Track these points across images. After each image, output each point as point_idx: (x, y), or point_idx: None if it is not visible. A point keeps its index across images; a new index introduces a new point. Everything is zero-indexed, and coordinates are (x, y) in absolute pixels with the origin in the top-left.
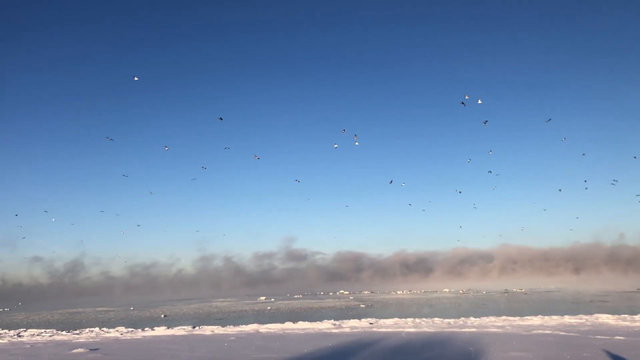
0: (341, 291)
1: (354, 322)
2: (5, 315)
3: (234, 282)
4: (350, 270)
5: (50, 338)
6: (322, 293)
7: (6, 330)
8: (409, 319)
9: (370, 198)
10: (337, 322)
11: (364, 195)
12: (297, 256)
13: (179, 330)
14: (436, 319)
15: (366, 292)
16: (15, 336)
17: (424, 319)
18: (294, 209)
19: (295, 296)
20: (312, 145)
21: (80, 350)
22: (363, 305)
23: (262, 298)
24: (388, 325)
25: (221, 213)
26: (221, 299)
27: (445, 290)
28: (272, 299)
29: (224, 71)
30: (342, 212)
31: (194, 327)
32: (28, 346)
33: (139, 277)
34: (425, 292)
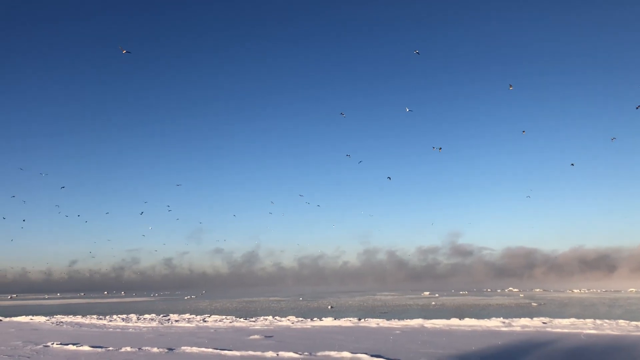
0: (510, 288)
1: (525, 321)
2: (192, 302)
3: (397, 276)
4: (521, 266)
5: (230, 324)
6: (489, 290)
7: (194, 316)
8: (589, 320)
9: (549, 190)
10: (506, 321)
11: (544, 184)
12: (462, 251)
13: (346, 322)
14: (621, 321)
15: (538, 289)
16: (202, 321)
17: (607, 321)
18: (461, 204)
19: (460, 292)
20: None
21: (256, 336)
22: (535, 304)
23: (426, 293)
24: (564, 325)
25: (384, 207)
26: (385, 293)
27: (631, 289)
28: (436, 295)
29: None
30: (514, 206)
31: (359, 319)
32: (212, 331)
33: (307, 269)
34: (606, 291)
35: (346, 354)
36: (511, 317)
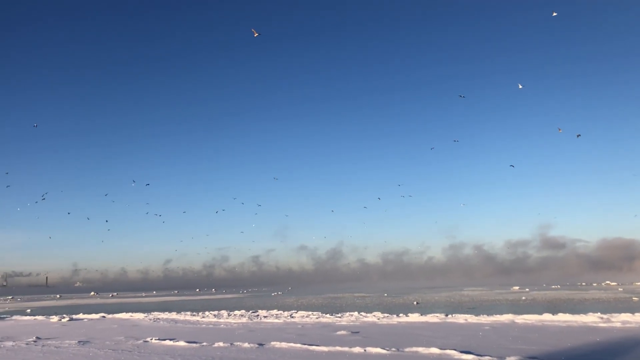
0: (607, 282)
1: (626, 316)
2: (279, 298)
3: (485, 270)
4: (619, 258)
5: (317, 320)
6: (583, 284)
7: (281, 312)
8: None
9: None
10: (604, 316)
11: None
12: (554, 244)
13: (432, 318)
14: None
15: (639, 283)
16: (289, 317)
17: None
18: (551, 194)
19: (552, 286)
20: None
21: (343, 332)
22: (636, 298)
23: (516, 288)
24: None
25: (470, 200)
26: (472, 288)
27: None
28: (527, 289)
29: None
30: (609, 194)
31: (446, 315)
32: (299, 326)
33: (391, 265)
34: None
35: (434, 350)
36: (610, 312)
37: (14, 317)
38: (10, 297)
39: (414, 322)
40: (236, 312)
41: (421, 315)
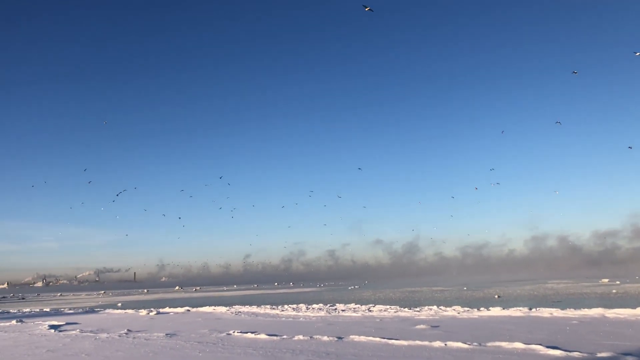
0: None
1: None
2: (356, 292)
3: (570, 262)
4: None
5: (395, 314)
6: None
7: (359, 305)
8: None
9: None
10: None
11: None
12: None
13: (515, 312)
14: None
15: None
16: (367, 311)
17: None
18: None
19: None
20: None
21: (422, 326)
22: None
23: (605, 280)
24: None
25: (555, 188)
26: (556, 281)
27: None
28: (617, 282)
29: None
30: None
31: (530, 309)
32: (377, 320)
33: (470, 258)
34: None
35: (518, 344)
36: None
37: (107, 310)
38: (102, 292)
39: (496, 316)
40: (314, 305)
41: (503, 309)
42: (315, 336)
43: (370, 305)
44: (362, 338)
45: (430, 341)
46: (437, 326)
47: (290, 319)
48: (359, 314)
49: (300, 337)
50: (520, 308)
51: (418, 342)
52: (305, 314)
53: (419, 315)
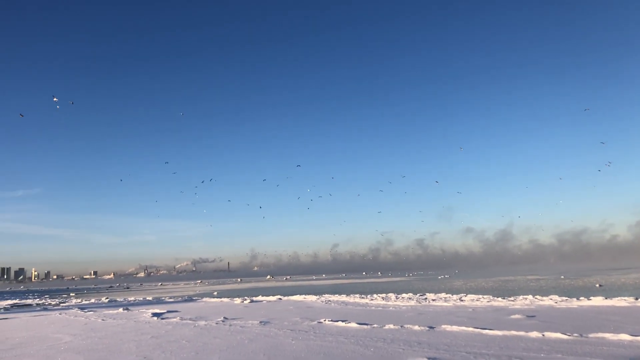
0: None
1: None
2: (446, 281)
3: None
4: None
5: (488, 303)
6: None
7: (449, 295)
8: None
9: None
10: None
11: None
12: None
13: (619, 301)
14: None
15: None
16: (458, 300)
17: None
18: None
19: None
20: None
21: (517, 316)
22: None
23: None
24: None
25: None
26: None
27: None
28: None
29: None
30: None
31: (636, 299)
32: (470, 310)
33: (568, 245)
34: None
35: (624, 336)
36: None
37: (204, 299)
38: (199, 281)
39: (598, 306)
40: (404, 295)
41: (606, 298)
42: (406, 325)
43: (462, 294)
44: (455, 328)
45: (527, 331)
46: (533, 316)
47: (380, 308)
48: (450, 304)
49: (391, 326)
50: (625, 298)
51: (513, 332)
52: (394, 303)
53: (513, 305)
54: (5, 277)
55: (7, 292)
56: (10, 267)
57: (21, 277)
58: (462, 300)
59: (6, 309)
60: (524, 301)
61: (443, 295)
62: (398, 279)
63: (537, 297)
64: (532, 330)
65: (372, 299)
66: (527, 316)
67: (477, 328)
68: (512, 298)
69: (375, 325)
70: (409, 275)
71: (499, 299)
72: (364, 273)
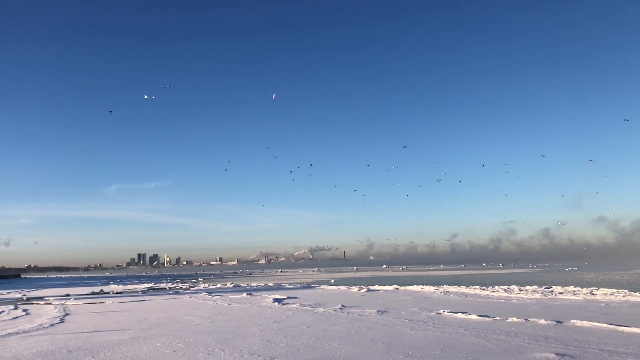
0: None
1: None
2: (575, 274)
3: None
4: None
5: (624, 298)
6: None
7: (579, 288)
8: None
9: None
10: None
11: None
12: None
13: None
14: None
15: None
16: (589, 294)
17: None
18: None
19: None
20: None
21: None
22: None
23: None
24: None
25: None
26: None
27: None
28: None
29: None
30: None
31: None
32: (603, 305)
33: None
34: None
35: None
36: None
37: (322, 286)
38: (316, 269)
39: None
40: (527, 287)
41: None
42: (530, 319)
43: (593, 288)
44: (586, 323)
45: None
46: None
47: (502, 301)
48: (580, 297)
49: (514, 319)
50: None
51: None
52: (518, 295)
53: None
54: (141, 262)
55: (143, 276)
56: (145, 253)
57: (155, 262)
58: (593, 294)
59: (143, 292)
60: None
61: (571, 288)
62: (521, 270)
63: None
64: None
65: (493, 291)
66: None
67: (612, 324)
68: None
69: (497, 318)
70: (532, 267)
71: (637, 293)
72: (484, 264)
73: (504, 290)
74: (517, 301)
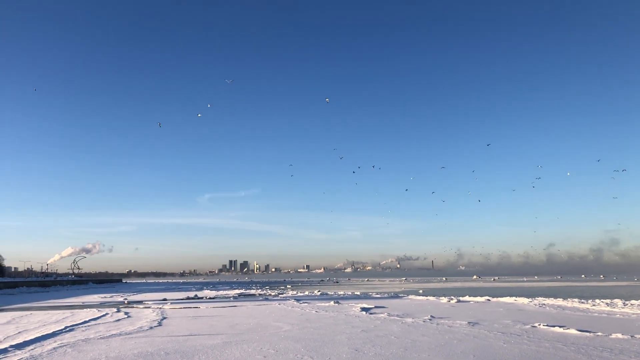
0: None
1: None
2: None
3: None
4: None
5: None
6: None
7: None
8: None
9: None
10: None
11: None
12: None
13: None
14: None
15: None
16: None
17: None
18: None
19: None
20: None
21: None
22: None
23: None
24: None
25: None
26: None
27: None
28: None
29: None
30: None
31: None
32: None
33: None
34: None
35: None
36: None
37: (410, 296)
38: (403, 279)
39: None
40: (633, 301)
41: None
42: (637, 335)
43: None
44: None
45: None
46: None
47: (605, 315)
48: None
49: (619, 335)
50: None
51: None
52: (622, 310)
53: None
54: (232, 268)
55: (235, 282)
56: (236, 260)
57: (245, 269)
58: None
59: (235, 298)
60: None
61: None
62: (625, 283)
63: None
64: None
65: (594, 304)
66: None
67: None
68: None
69: (599, 334)
70: (637, 280)
71: None
72: (582, 276)
73: (606, 304)
74: (621, 316)
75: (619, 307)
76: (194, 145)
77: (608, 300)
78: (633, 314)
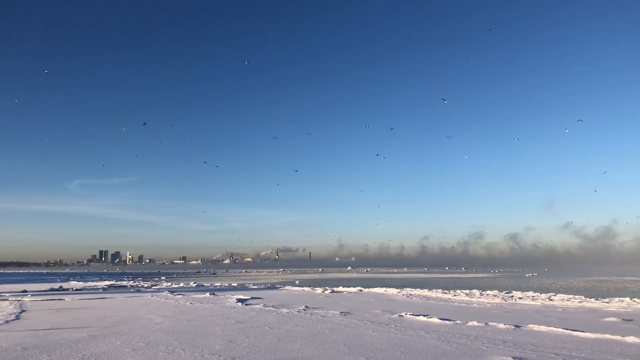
0: None
1: None
2: (535, 280)
3: None
4: None
5: (580, 304)
6: None
7: (538, 294)
8: None
9: None
10: None
11: None
12: None
13: None
14: None
15: None
16: (547, 300)
17: None
18: None
19: None
20: None
21: (612, 319)
22: None
23: None
24: None
25: None
26: None
27: None
28: None
29: None
30: None
31: None
32: (560, 310)
33: None
34: None
35: None
36: None
37: (286, 287)
38: (281, 270)
39: None
40: (488, 292)
41: None
42: (490, 323)
43: (551, 294)
44: (543, 328)
45: (623, 336)
46: (631, 320)
47: (463, 305)
48: (538, 303)
49: (475, 323)
50: None
51: (607, 336)
52: (479, 300)
53: (607, 307)
54: (103, 259)
55: (104, 274)
56: (107, 250)
57: (117, 260)
58: (551, 300)
59: (104, 289)
60: (620, 303)
61: (531, 293)
62: (483, 275)
63: (636, 299)
64: (628, 335)
65: (455, 295)
66: (623, 319)
67: (567, 329)
68: (606, 299)
69: (458, 322)
70: (494, 272)
71: (592, 299)
72: (447, 268)
73: (466, 294)
74: (477, 305)
75: (477, 297)
76: (62, 128)
77: (467, 291)
78: (488, 303)
